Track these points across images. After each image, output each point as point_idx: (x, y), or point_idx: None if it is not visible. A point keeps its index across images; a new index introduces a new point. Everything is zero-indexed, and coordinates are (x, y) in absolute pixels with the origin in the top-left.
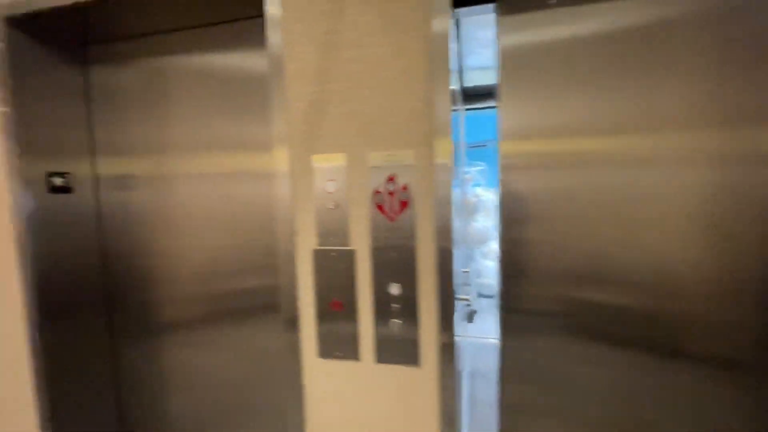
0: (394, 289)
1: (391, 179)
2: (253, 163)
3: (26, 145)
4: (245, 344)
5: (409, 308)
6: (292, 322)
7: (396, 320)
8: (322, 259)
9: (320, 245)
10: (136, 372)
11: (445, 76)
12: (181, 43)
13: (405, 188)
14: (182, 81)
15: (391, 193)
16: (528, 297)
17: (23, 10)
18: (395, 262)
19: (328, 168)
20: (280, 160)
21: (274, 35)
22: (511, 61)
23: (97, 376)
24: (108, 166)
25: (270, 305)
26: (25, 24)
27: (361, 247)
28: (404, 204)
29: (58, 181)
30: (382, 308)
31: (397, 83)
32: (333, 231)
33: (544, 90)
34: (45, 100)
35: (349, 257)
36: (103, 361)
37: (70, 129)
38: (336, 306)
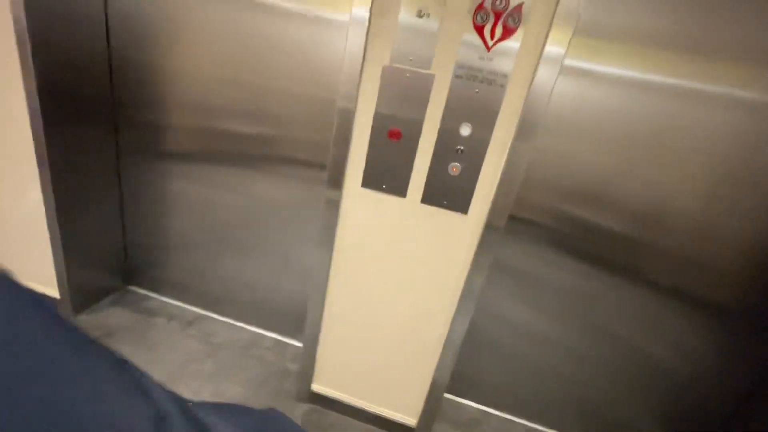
0: (465, 130)
1: None
2: None
3: None
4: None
5: (475, 153)
6: (342, 145)
7: (456, 163)
8: (391, 78)
9: (393, 62)
10: (139, 191)
11: None
12: None
13: (518, 9)
14: None
15: (497, 13)
16: None
17: None
18: (476, 100)
19: None
20: None
21: None
22: None
23: (100, 175)
24: None
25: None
26: None
27: (443, 73)
28: (509, 31)
29: None
30: (445, 147)
31: None
32: (413, 48)
33: None
34: None
35: (424, 82)
36: (107, 169)
37: None
38: (394, 135)
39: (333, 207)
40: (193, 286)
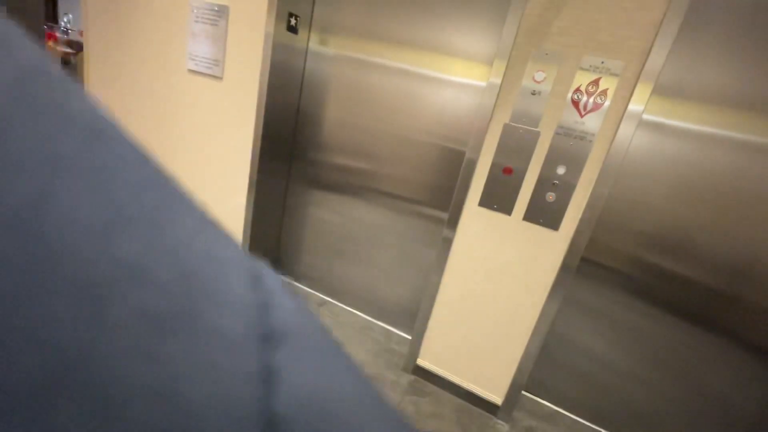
0: (561, 170)
1: (594, 82)
2: (466, 43)
3: None
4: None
5: (567, 186)
6: (468, 176)
7: (552, 193)
8: (509, 132)
9: (511, 122)
10: (296, 208)
11: (681, 11)
12: None
13: (604, 92)
14: None
15: (589, 93)
16: None
17: None
18: (570, 150)
19: (543, 58)
20: (504, 44)
21: None
22: None
23: (277, 194)
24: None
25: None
26: None
27: (546, 130)
28: (597, 106)
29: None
30: (545, 181)
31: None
32: (526, 112)
33: None
34: None
35: (533, 136)
36: (281, 190)
37: None
38: (507, 171)
39: (455, 219)
40: (321, 278)
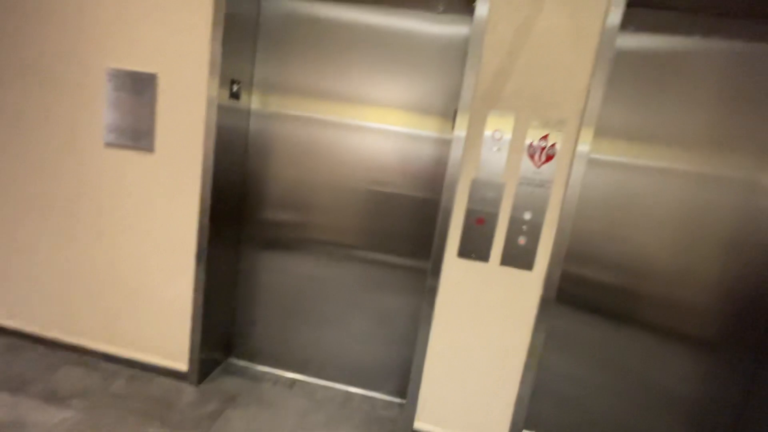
0: (527, 215)
1: (544, 137)
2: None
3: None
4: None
5: (535, 230)
6: (444, 229)
7: (523, 237)
8: (477, 186)
9: (479, 176)
10: (250, 275)
11: (605, 72)
12: None
13: (553, 146)
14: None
15: (541, 148)
16: None
17: None
18: (532, 197)
19: (500, 121)
20: (462, 114)
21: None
22: None
23: (229, 264)
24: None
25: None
26: None
27: (510, 182)
28: (549, 157)
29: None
30: (515, 227)
31: (569, 68)
32: (491, 167)
33: None
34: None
35: (499, 188)
36: (232, 258)
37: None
38: (480, 221)
39: (436, 272)
40: (286, 354)
